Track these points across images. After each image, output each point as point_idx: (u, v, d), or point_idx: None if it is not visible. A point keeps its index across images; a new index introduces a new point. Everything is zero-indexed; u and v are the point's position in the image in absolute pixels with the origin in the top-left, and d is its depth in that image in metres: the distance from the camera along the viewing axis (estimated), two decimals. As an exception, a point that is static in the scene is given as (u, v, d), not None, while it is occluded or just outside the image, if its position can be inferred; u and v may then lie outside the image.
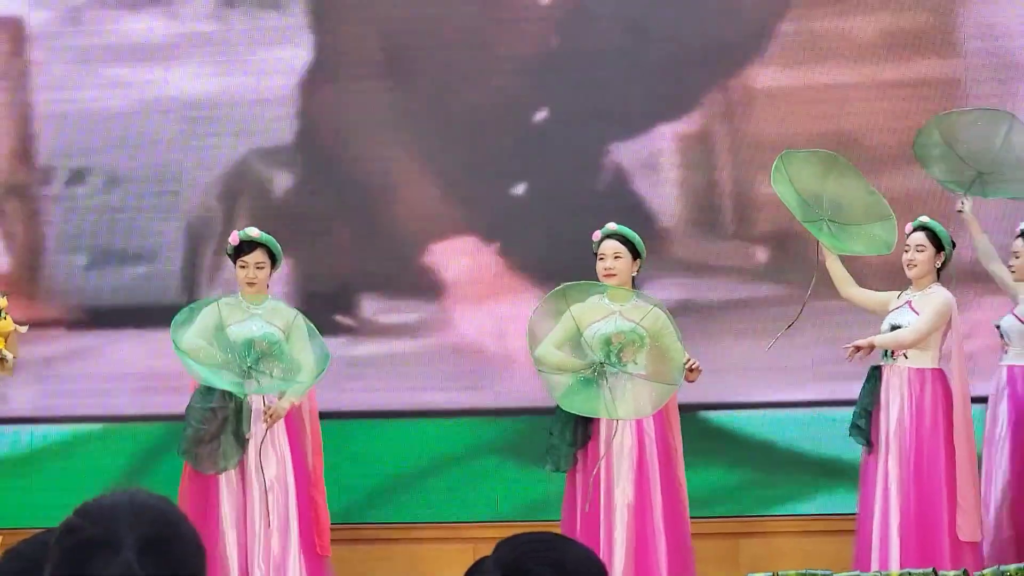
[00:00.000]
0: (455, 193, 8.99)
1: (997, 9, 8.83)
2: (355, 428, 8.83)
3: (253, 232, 7.70)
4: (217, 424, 7.55)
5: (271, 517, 7.43)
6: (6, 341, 8.08)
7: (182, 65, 9.21)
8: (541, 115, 8.96)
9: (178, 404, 7.88)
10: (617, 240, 7.50)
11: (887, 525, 7.36)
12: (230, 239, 7.78)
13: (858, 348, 7.31)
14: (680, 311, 8.14)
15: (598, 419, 7.34)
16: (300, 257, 9.04)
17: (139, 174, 9.28)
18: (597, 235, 7.57)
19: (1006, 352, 7.85)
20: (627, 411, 7.21)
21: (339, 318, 9.12)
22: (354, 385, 8.80)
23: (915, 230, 7.56)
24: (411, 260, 8.99)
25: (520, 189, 9.01)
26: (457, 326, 8.99)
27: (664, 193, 8.90)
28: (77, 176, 9.36)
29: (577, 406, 7.27)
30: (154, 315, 8.87)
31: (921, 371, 7.43)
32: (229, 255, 7.79)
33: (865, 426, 7.47)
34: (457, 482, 8.92)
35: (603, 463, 7.30)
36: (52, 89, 9.34)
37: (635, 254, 7.49)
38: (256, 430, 7.47)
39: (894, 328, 7.45)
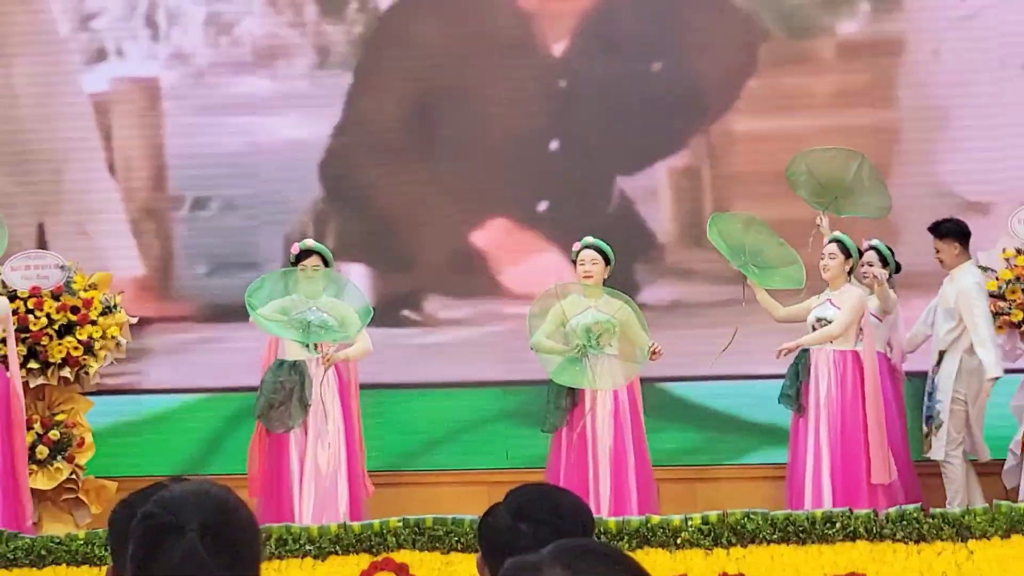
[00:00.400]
0: (493, 213, 10.09)
1: (927, 70, 9.89)
2: (398, 396, 9.74)
3: (309, 243, 8.73)
4: (285, 393, 8.45)
5: (325, 464, 8.40)
6: (120, 330, 9.31)
7: (282, 115, 10.26)
8: (554, 145, 9.99)
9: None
10: (593, 250, 8.54)
11: (819, 474, 8.30)
12: (292, 249, 8.76)
13: (789, 350, 8.41)
14: (672, 307, 9.52)
15: (583, 389, 8.42)
16: (377, 266, 10.17)
17: (248, 200, 10.27)
18: (577, 246, 8.61)
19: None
20: (605, 384, 8.33)
21: (407, 313, 10.20)
22: (424, 364, 9.83)
23: (830, 242, 8.63)
24: (462, 266, 10.02)
25: (543, 207, 10.12)
26: (494, 319, 10.00)
27: (661, 216, 9.99)
28: (200, 202, 10.39)
29: (567, 379, 8.36)
30: None
31: (843, 353, 8.46)
32: (291, 262, 8.68)
33: (795, 395, 8.47)
34: (478, 439, 9.85)
35: (589, 419, 8.34)
36: (180, 134, 10.33)
37: (607, 261, 8.55)
38: (317, 372, 8.39)
39: (819, 319, 8.48)
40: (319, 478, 8.41)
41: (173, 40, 10.47)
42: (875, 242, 8.96)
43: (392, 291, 10.23)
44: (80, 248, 10.22)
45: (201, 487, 2.65)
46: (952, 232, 8.79)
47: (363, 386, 8.81)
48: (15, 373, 8.58)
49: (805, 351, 8.54)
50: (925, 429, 8.92)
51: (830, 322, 8.49)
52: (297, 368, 8.49)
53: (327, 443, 8.44)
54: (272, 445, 8.52)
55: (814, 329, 8.54)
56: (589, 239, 8.62)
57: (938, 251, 8.79)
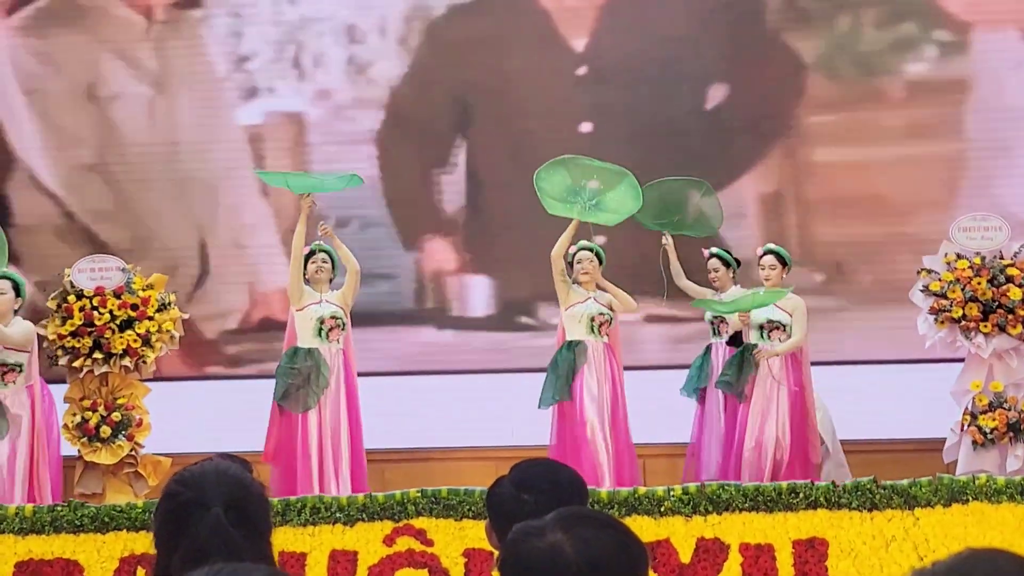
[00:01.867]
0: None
1: (991, 105, 10.50)
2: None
3: (320, 243, 9.08)
4: (301, 378, 8.77)
5: (340, 443, 8.71)
6: (175, 324, 9.60)
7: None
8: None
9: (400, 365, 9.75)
10: (590, 251, 8.98)
11: (763, 452, 8.75)
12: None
13: (776, 355, 8.73)
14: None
15: (582, 368, 8.76)
16: (498, 277, 10.88)
17: (384, 220, 10.98)
18: (573, 248, 8.95)
19: (720, 336, 9.30)
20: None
21: (523, 319, 10.85)
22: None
23: (766, 254, 9.05)
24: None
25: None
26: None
27: (747, 235, 10.47)
28: (342, 221, 10.95)
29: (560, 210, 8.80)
30: (395, 317, 10.68)
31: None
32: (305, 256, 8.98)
33: (736, 383, 8.79)
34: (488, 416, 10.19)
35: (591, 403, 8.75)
36: (323, 162, 11.01)
37: (600, 260, 8.98)
38: (333, 358, 8.73)
39: (770, 320, 8.85)
40: (326, 451, 8.81)
41: (317, 79, 11.24)
42: (715, 250, 9.51)
43: (511, 298, 10.85)
44: (237, 262, 11.01)
45: (220, 466, 2.76)
46: (727, 262, 9.40)
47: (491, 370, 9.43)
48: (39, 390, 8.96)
49: (750, 346, 8.93)
50: None
51: (781, 323, 8.92)
52: (312, 354, 8.89)
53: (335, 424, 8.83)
54: (288, 423, 8.86)
55: (762, 328, 8.94)
56: (584, 243, 9.03)
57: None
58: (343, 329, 9.02)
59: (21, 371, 8.94)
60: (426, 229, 11.05)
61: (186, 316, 9.88)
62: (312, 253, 9.09)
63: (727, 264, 9.50)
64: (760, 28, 11.00)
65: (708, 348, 9.33)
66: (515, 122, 10.91)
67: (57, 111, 11.31)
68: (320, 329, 8.96)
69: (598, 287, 9.11)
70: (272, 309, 10.90)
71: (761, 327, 9.07)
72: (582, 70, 10.94)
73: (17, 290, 9.06)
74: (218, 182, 11.20)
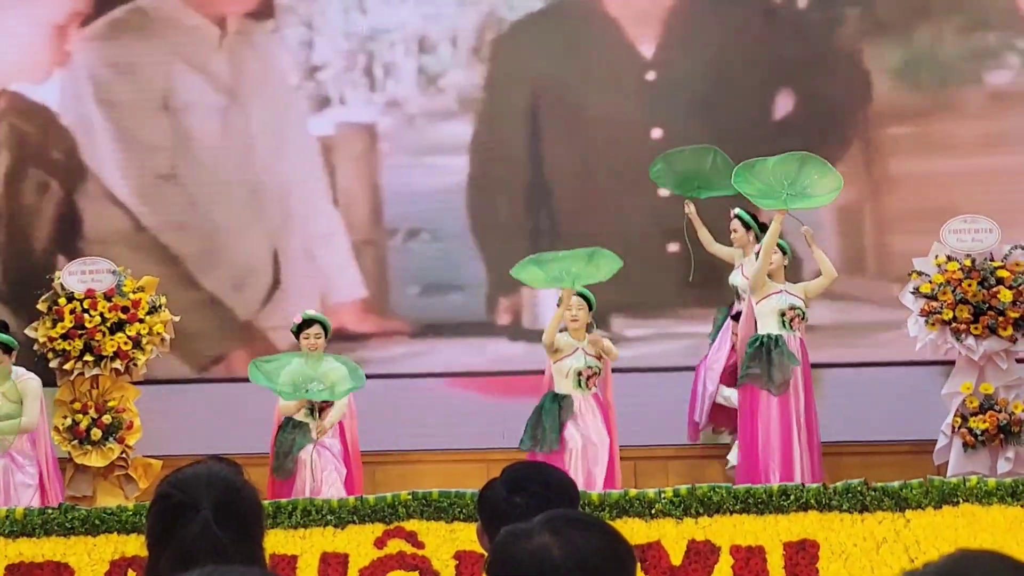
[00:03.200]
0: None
1: None
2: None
3: (311, 312, 9.25)
4: (288, 445, 8.97)
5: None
6: (165, 327, 9.70)
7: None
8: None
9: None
10: (580, 297, 9.02)
11: (795, 449, 8.87)
12: (294, 319, 9.23)
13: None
14: (833, 328, 10.24)
15: (567, 423, 8.85)
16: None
17: (453, 232, 11.03)
18: (564, 291, 9.01)
19: (740, 302, 9.46)
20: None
21: (597, 331, 10.40)
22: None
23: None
24: (642, 291, 10.54)
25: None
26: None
27: (822, 247, 9.93)
28: (412, 233, 11.19)
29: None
30: (465, 328, 10.80)
31: (800, 340, 9.08)
32: (293, 331, 9.13)
33: (768, 375, 8.85)
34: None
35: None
36: (394, 173, 11.14)
37: (590, 307, 9.05)
38: (308, 469, 8.82)
39: (792, 307, 8.92)
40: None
41: (388, 90, 11.34)
42: (737, 210, 9.72)
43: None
44: (309, 272, 11.12)
45: (212, 468, 2.76)
46: (749, 223, 9.53)
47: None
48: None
49: (776, 336, 9.02)
50: None
51: (801, 309, 9.03)
52: (300, 427, 9.06)
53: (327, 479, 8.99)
54: (281, 488, 9.03)
55: (783, 314, 8.99)
56: (576, 287, 9.09)
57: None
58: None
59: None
60: (498, 239, 11.10)
61: (177, 319, 9.84)
62: (303, 324, 9.18)
63: (747, 226, 9.61)
64: (835, 37, 11.04)
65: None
66: (585, 129, 10.95)
67: (130, 121, 11.41)
68: (311, 410, 9.07)
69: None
70: (343, 320, 10.99)
71: (783, 313, 9.07)
72: (651, 76, 10.97)
73: (8, 349, 9.01)
74: (290, 192, 11.30)
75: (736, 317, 9.41)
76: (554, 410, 8.94)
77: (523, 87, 11.22)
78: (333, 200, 11.35)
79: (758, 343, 9.05)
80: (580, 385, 8.97)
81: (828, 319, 10.36)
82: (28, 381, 8.94)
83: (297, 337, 9.25)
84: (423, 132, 11.25)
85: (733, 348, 9.50)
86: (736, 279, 9.57)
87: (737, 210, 9.68)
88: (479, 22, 11.37)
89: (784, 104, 11.09)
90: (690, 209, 9.68)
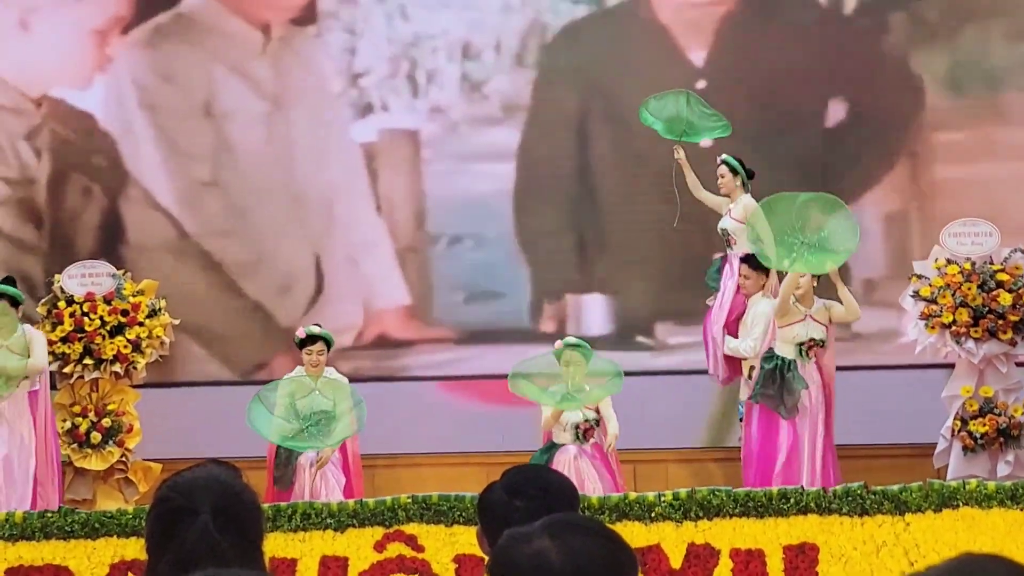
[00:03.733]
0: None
1: None
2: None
3: (314, 329, 9.20)
4: (286, 457, 8.97)
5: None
6: (165, 330, 9.72)
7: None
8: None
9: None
10: (577, 351, 9.00)
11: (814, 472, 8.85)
12: (298, 333, 9.23)
13: None
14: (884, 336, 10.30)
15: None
16: (616, 296, 10.89)
17: (495, 239, 11.08)
18: (559, 344, 9.09)
19: (732, 247, 9.55)
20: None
21: (641, 338, 10.87)
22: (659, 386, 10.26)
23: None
24: (687, 299, 10.39)
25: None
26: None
27: (871, 251, 10.42)
28: (455, 239, 11.23)
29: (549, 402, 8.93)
30: (509, 335, 10.79)
31: (818, 365, 9.04)
32: (297, 343, 9.13)
33: (780, 398, 8.86)
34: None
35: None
36: (437, 179, 11.19)
37: (586, 358, 8.97)
38: (308, 476, 8.81)
39: (812, 339, 8.94)
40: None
41: (431, 96, 11.36)
42: (724, 156, 9.77)
43: (628, 316, 10.90)
44: (351, 278, 11.11)
45: (211, 472, 2.77)
46: (761, 265, 9.39)
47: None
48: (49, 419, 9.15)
49: (790, 361, 9.00)
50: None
51: (820, 341, 9.02)
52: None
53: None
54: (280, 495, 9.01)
55: (800, 346, 8.99)
56: (571, 339, 9.23)
57: (747, 278, 9.43)
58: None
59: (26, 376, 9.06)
60: (543, 246, 11.13)
61: (176, 322, 9.87)
62: (306, 340, 9.20)
63: (734, 171, 9.63)
64: (883, 44, 11.03)
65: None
66: (633, 137, 10.89)
67: (173, 127, 11.41)
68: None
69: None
70: (386, 326, 11.03)
71: (800, 345, 9.05)
72: (701, 84, 10.97)
73: (15, 303, 9.16)
74: (333, 199, 11.30)
75: (725, 260, 9.56)
76: (541, 460, 8.79)
77: (570, 94, 11.24)
78: (376, 207, 11.37)
79: (773, 366, 9.05)
80: (578, 437, 8.94)
81: (875, 327, 10.43)
82: (35, 332, 9.10)
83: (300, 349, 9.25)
84: (466, 139, 11.28)
85: (738, 291, 9.54)
86: (725, 223, 9.62)
87: (724, 156, 9.74)
88: (523, 28, 11.38)
89: (836, 112, 11.11)
90: (680, 154, 9.72)
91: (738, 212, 9.50)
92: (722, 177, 9.68)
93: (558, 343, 9.18)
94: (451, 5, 11.39)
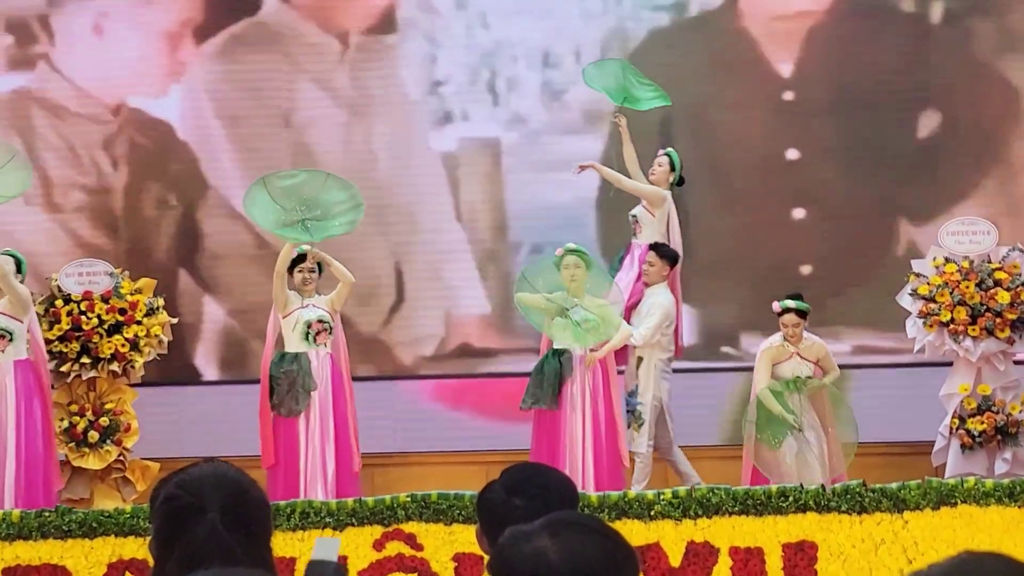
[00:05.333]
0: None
1: None
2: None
3: (305, 247, 9.23)
4: (289, 382, 8.97)
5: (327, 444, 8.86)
6: (163, 329, 9.71)
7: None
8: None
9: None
10: (577, 255, 9.06)
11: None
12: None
13: None
14: None
15: (567, 379, 8.86)
16: (702, 307, 10.84)
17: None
18: (560, 251, 9.07)
19: (637, 235, 9.62)
20: (591, 340, 8.96)
21: (726, 349, 10.91)
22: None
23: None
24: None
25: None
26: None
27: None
28: (537, 248, 11.08)
29: (557, 335, 8.96)
30: None
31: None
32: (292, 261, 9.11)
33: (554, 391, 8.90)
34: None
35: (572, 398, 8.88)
36: (518, 188, 11.20)
37: (587, 265, 9.08)
38: (320, 363, 8.95)
39: (797, 379, 9.08)
40: (315, 454, 8.96)
41: (512, 105, 11.35)
42: (669, 149, 9.89)
43: (715, 328, 10.90)
44: (432, 287, 11.15)
45: (218, 469, 2.79)
46: (669, 256, 9.50)
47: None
48: (42, 360, 9.15)
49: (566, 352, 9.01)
50: (628, 424, 9.34)
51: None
52: (298, 359, 9.09)
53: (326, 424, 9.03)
54: (284, 428, 9.06)
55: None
56: (571, 245, 9.21)
57: (651, 265, 9.47)
58: (330, 333, 9.15)
59: (11, 340, 9.04)
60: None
61: (174, 321, 9.87)
62: (298, 258, 9.22)
63: (672, 166, 9.76)
64: (971, 53, 10.99)
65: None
66: (718, 147, 10.90)
67: (251, 137, 11.41)
68: (307, 333, 9.10)
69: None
70: (468, 335, 11.04)
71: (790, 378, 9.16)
72: (789, 95, 10.95)
73: (19, 266, 9.26)
74: (413, 208, 11.29)
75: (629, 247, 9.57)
76: (555, 366, 8.96)
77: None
78: (456, 216, 11.36)
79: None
80: (579, 338, 9.00)
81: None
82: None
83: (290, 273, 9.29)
84: (548, 147, 11.27)
85: (638, 279, 9.53)
86: (638, 210, 9.70)
87: (670, 149, 9.86)
88: (604, 36, 11.35)
89: (929, 123, 11.06)
90: (622, 122, 9.83)
91: (641, 189, 9.70)
92: (660, 166, 9.77)
93: (559, 250, 9.19)
94: (531, 13, 11.37)
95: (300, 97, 11.41)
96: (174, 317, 9.92)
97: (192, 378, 11.05)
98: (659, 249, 9.53)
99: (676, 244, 9.74)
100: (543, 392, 8.97)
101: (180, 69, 11.54)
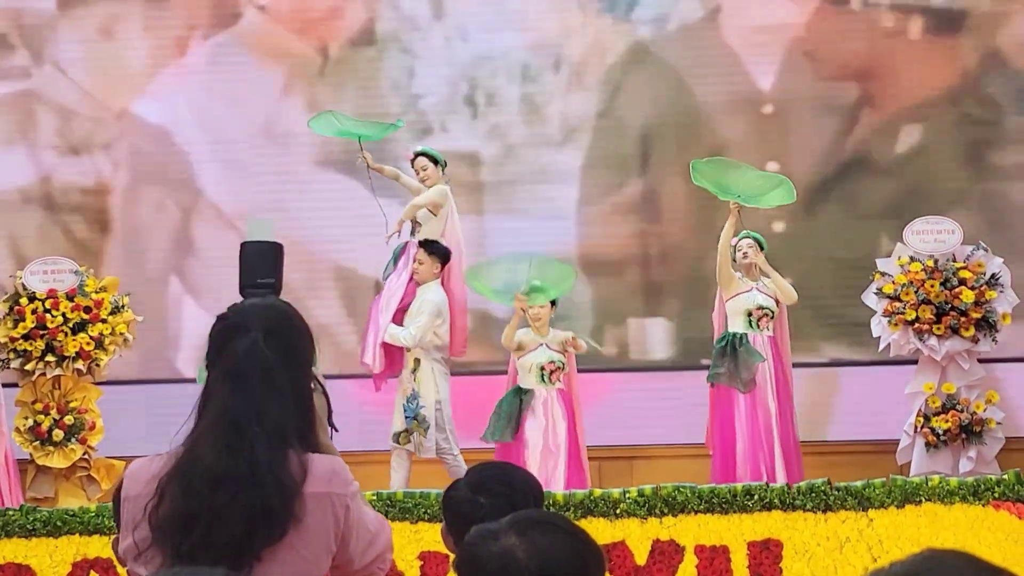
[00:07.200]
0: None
1: None
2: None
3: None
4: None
5: None
6: (128, 327, 9.71)
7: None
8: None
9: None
10: (541, 295, 9.02)
11: (772, 446, 8.87)
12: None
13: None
14: None
15: (526, 414, 8.85)
16: (680, 320, 10.84)
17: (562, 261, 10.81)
18: (524, 287, 8.99)
19: (416, 234, 9.44)
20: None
21: (706, 361, 10.34)
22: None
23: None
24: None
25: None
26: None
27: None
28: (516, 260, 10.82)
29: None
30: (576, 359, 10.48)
31: (772, 337, 9.11)
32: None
33: (736, 374, 8.90)
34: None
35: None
36: (498, 201, 11.21)
37: (552, 304, 9.12)
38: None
39: (760, 307, 8.97)
40: None
41: (491, 118, 11.35)
42: (423, 147, 9.85)
43: (693, 341, 10.85)
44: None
45: (266, 301, 3.09)
46: (440, 253, 9.44)
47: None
48: None
49: (741, 335, 9.06)
50: (411, 430, 9.28)
51: (770, 310, 9.06)
52: (527, 394, 9.06)
53: None
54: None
55: (750, 314, 9.04)
56: (536, 283, 9.14)
57: (421, 263, 9.38)
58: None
59: None
60: (604, 268, 11.14)
61: (140, 319, 9.85)
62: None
63: (435, 161, 9.69)
64: (953, 67, 11.07)
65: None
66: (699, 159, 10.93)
67: (236, 147, 11.44)
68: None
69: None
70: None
71: (749, 313, 9.13)
72: (768, 108, 11.03)
73: None
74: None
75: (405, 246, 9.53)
76: (515, 403, 8.95)
77: (635, 116, 11.23)
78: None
79: (724, 342, 9.12)
80: (544, 380, 9.00)
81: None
82: None
83: None
84: (527, 160, 11.30)
85: (411, 279, 9.49)
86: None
87: (422, 148, 9.83)
88: (584, 50, 11.37)
89: (908, 135, 11.13)
90: (369, 159, 9.78)
91: (430, 197, 9.55)
92: (424, 170, 9.67)
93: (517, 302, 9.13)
94: (510, 26, 11.40)
95: (280, 109, 11.41)
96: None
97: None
98: (429, 246, 9.44)
99: (455, 241, 9.65)
100: (500, 427, 8.99)
101: (176, 77, 11.60)
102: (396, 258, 9.66)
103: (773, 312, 9.16)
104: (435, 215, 9.59)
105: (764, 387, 9.02)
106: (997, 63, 11.11)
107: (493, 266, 9.36)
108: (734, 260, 9.20)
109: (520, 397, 9.02)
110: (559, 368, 9.05)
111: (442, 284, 9.49)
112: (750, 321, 9.09)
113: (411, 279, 9.48)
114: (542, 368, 8.99)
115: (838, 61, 11.13)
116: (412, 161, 9.83)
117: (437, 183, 9.64)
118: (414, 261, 9.46)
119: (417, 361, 9.30)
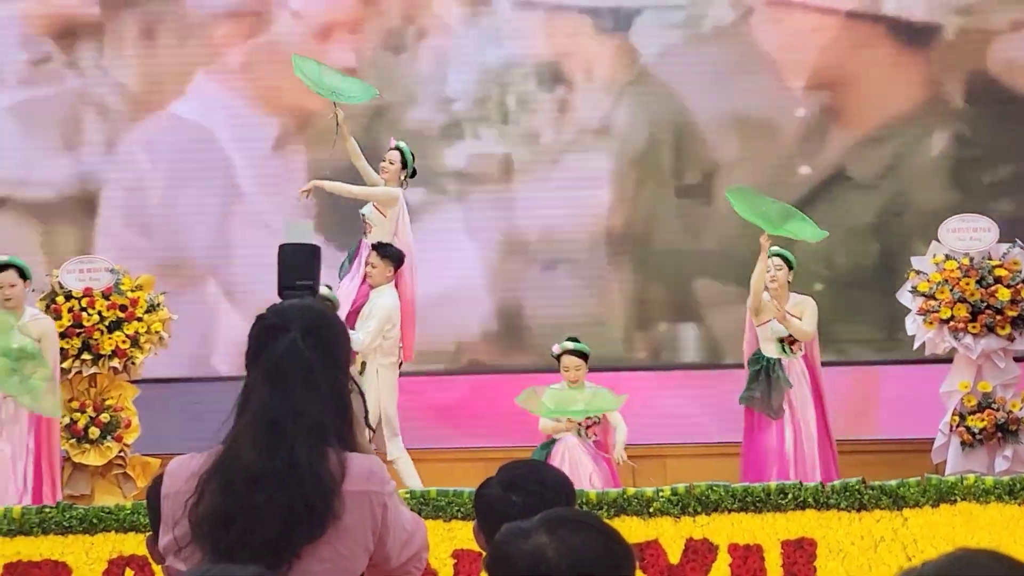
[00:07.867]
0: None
1: None
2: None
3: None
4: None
5: None
6: (163, 325, 9.81)
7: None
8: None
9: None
10: (576, 355, 8.96)
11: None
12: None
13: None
14: None
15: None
16: (709, 324, 10.93)
17: (593, 265, 11.09)
18: (557, 349, 9.02)
19: (368, 235, 9.38)
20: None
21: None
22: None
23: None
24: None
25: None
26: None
27: None
28: (548, 264, 11.25)
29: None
30: (603, 363, 10.31)
31: (804, 359, 9.11)
32: None
33: (767, 399, 8.93)
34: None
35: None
36: (528, 205, 11.26)
37: (585, 359, 8.97)
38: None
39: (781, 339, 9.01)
40: None
41: (522, 123, 11.36)
42: (399, 143, 9.64)
43: (719, 343, 10.89)
44: (442, 304, 10.97)
45: (305, 303, 3.14)
46: (393, 256, 9.30)
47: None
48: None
49: (775, 361, 9.07)
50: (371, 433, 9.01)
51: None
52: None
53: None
54: None
55: (782, 341, 9.04)
56: (569, 344, 9.08)
57: (374, 266, 9.23)
58: None
59: None
60: (636, 272, 11.16)
61: (175, 317, 9.89)
62: None
63: (404, 162, 9.52)
64: (983, 69, 11.08)
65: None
66: (728, 162, 10.96)
67: (264, 151, 11.48)
68: None
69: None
70: (478, 352, 11.04)
71: (781, 340, 9.12)
72: (800, 112, 11.06)
73: (23, 274, 9.15)
74: (423, 225, 11.19)
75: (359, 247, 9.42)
76: (542, 456, 8.82)
77: (663, 120, 11.24)
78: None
79: (759, 367, 9.12)
80: (580, 434, 8.95)
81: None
82: (46, 323, 9.14)
83: None
84: (558, 164, 11.29)
85: (363, 281, 9.37)
86: (367, 208, 9.47)
87: (400, 143, 9.63)
88: (614, 53, 11.37)
89: (939, 141, 11.12)
90: (340, 116, 9.55)
91: (375, 194, 9.42)
92: (391, 163, 9.51)
93: (555, 347, 9.09)
94: (541, 30, 11.40)
95: (312, 112, 11.40)
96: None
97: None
98: (382, 249, 9.30)
99: (405, 244, 9.51)
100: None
101: (216, 77, 11.64)
102: (351, 258, 9.58)
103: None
104: (384, 216, 9.45)
105: (802, 408, 9.02)
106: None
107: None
108: (766, 288, 9.17)
109: (547, 450, 8.93)
110: (595, 422, 8.98)
111: (396, 287, 9.39)
112: (783, 347, 9.09)
113: (364, 281, 9.37)
114: (579, 422, 8.93)
115: (868, 64, 11.11)
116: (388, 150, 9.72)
117: (392, 183, 9.51)
118: (367, 264, 9.33)
119: (363, 364, 9.21)
